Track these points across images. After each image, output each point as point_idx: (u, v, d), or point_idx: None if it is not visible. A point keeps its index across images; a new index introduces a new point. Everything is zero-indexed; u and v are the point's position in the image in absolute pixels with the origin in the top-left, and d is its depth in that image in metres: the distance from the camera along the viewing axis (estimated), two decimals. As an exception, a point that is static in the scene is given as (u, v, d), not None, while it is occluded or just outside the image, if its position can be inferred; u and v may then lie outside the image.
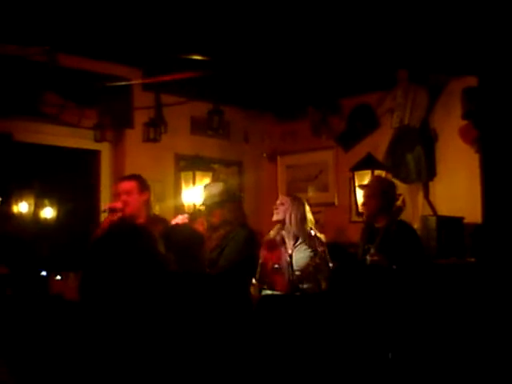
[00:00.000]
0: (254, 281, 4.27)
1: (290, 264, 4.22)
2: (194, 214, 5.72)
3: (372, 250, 4.06)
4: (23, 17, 4.45)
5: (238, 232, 4.07)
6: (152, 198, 4.25)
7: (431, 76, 5.84)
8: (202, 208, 4.39)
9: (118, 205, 4.06)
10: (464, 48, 4.84)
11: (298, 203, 4.35)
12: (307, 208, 4.39)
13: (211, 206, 4.19)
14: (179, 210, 5.96)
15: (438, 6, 4.24)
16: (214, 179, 6.00)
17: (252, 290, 4.32)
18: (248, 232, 4.13)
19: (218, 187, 4.26)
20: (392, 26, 4.61)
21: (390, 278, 3.88)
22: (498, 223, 4.25)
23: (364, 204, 4.47)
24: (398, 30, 4.69)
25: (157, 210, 4.38)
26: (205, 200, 4.25)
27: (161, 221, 4.15)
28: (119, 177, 5.90)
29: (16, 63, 5.01)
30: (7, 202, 5.42)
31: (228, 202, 4.17)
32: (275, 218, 4.39)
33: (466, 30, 4.53)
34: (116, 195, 4.23)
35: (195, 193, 5.84)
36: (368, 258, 4.04)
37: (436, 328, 3.83)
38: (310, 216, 4.36)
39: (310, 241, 4.24)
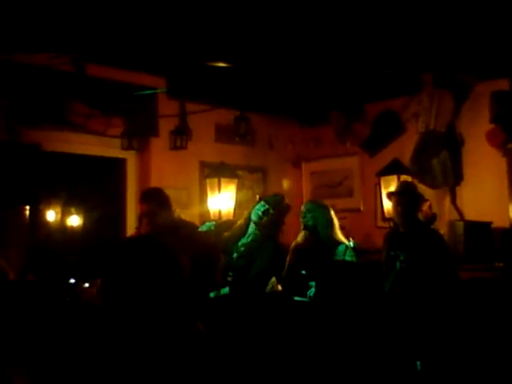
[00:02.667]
0: (279, 287, 4.26)
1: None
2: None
3: (402, 257, 4.02)
4: (50, 27, 4.52)
5: (267, 247, 4.21)
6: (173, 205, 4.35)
7: (458, 76, 5.75)
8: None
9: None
10: (494, 50, 4.78)
11: (323, 209, 4.34)
12: (332, 213, 4.38)
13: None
14: (204, 217, 5.98)
15: (465, 6, 4.19)
16: (239, 186, 6.03)
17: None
18: (275, 247, 4.26)
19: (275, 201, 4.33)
20: (417, 28, 4.58)
21: (421, 283, 3.85)
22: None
23: (398, 211, 4.33)
24: (424, 32, 4.65)
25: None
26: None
27: (186, 225, 4.23)
28: (145, 185, 5.99)
29: (43, 73, 5.09)
30: (35, 211, 5.47)
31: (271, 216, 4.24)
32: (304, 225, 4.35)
33: (496, 31, 4.48)
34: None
35: (220, 200, 5.86)
36: (398, 264, 3.99)
37: (463, 335, 3.78)
38: (335, 221, 4.35)
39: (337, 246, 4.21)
